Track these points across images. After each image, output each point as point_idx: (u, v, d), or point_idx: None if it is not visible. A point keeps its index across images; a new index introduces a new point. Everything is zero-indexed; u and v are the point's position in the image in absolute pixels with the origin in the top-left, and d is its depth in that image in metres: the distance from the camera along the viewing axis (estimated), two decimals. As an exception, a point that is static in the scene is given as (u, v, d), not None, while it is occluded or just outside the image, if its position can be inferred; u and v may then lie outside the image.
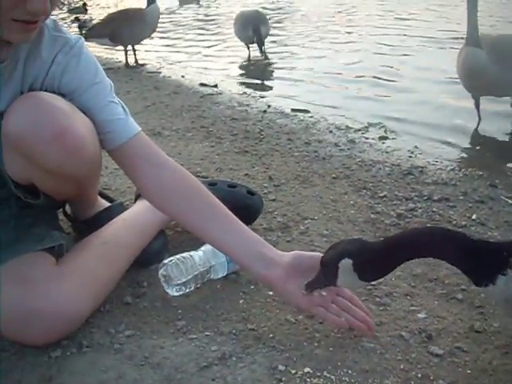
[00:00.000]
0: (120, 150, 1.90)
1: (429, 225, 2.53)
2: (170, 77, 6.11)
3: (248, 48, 6.97)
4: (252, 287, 2.09)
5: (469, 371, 1.75)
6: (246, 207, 2.36)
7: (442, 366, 1.76)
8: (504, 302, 1.49)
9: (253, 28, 6.54)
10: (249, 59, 6.85)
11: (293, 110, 4.52)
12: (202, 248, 2.11)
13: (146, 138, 1.94)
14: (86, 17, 11.72)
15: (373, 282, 2.10)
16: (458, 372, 1.74)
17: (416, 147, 3.59)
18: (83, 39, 1.95)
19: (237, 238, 1.78)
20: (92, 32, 6.74)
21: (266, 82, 5.75)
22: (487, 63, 3.66)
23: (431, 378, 1.71)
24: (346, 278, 1.61)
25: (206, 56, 7.25)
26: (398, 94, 4.93)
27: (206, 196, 1.83)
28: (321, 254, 1.72)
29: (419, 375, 1.72)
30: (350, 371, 1.72)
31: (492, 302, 1.70)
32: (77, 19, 11.10)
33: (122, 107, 1.94)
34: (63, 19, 11.29)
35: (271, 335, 1.86)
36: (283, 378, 1.69)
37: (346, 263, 1.57)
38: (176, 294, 2.03)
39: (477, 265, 1.48)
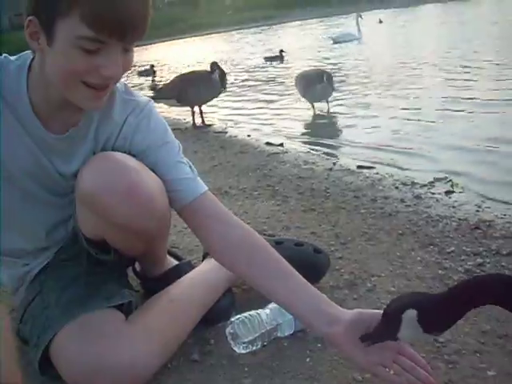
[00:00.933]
0: (188, 209, 1.95)
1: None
2: (236, 136, 6.22)
3: (313, 106, 7.06)
4: (319, 345, 2.09)
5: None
6: (312, 265, 2.37)
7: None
8: None
9: (322, 83, 6.63)
10: (314, 117, 6.92)
11: (358, 166, 4.54)
12: (269, 306, 2.13)
13: (213, 197, 1.99)
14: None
15: (441, 339, 2.09)
16: None
17: (483, 201, 3.55)
18: (153, 102, 2.03)
19: (301, 296, 1.76)
20: (160, 94, 6.95)
21: (331, 141, 5.79)
22: None
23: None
24: (408, 331, 1.54)
25: (271, 116, 7.36)
26: (463, 151, 4.89)
27: (271, 254, 1.84)
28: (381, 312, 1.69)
29: None
30: None
31: None
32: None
33: (190, 167, 2.00)
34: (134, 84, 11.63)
35: (336, 393, 1.86)
36: None
37: (410, 314, 1.51)
38: (243, 351, 2.04)
39: None
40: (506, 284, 1.47)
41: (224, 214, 1.95)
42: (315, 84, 6.72)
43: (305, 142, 5.71)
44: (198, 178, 2.00)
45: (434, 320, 1.53)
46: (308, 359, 2.02)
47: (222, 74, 6.78)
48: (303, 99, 7.13)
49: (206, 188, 1.99)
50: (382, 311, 1.69)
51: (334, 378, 1.92)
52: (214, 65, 6.80)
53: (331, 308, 1.74)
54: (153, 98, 2.24)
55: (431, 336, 1.62)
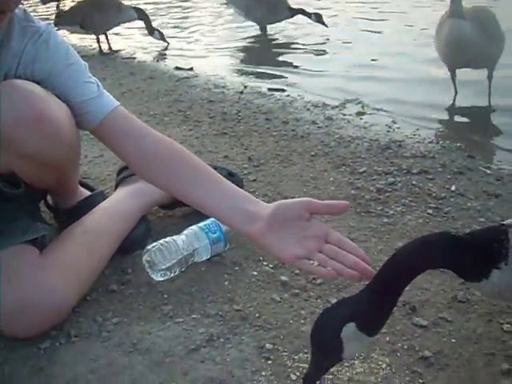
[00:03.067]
0: (100, 129, 1.89)
1: (410, 199, 2.55)
2: (145, 62, 6.08)
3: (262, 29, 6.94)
4: (236, 268, 2.10)
5: (454, 340, 1.78)
6: None
7: (427, 336, 1.79)
8: (497, 294, 1.43)
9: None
10: (225, 41, 6.83)
11: (269, 89, 4.51)
12: (185, 232, 2.12)
13: (124, 113, 1.93)
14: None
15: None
16: (443, 342, 1.77)
17: (393, 122, 3.60)
18: (52, 25, 1.94)
19: (219, 197, 1.70)
20: (62, 20, 6.66)
21: (242, 65, 5.72)
22: (473, 35, 3.64)
23: (417, 348, 1.73)
24: (353, 346, 1.37)
25: (180, 40, 7.21)
26: (374, 71, 4.94)
27: (189, 159, 1.81)
28: (303, 199, 1.62)
29: (405, 347, 1.74)
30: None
31: (482, 295, 1.64)
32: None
33: (98, 86, 1.95)
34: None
35: (257, 315, 1.88)
36: (271, 357, 1.71)
37: (349, 329, 1.33)
38: (161, 279, 2.04)
39: (467, 262, 1.38)
40: (426, 248, 1.39)
41: (138, 128, 1.89)
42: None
43: (215, 66, 5.61)
44: (107, 96, 1.95)
45: (373, 320, 1.38)
46: (226, 282, 2.03)
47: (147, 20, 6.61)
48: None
49: (117, 104, 1.93)
50: (301, 199, 1.63)
51: (252, 299, 1.94)
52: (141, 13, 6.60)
53: (250, 205, 1.67)
54: (55, 24, 2.14)
55: (374, 338, 1.42)
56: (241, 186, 2.45)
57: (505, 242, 1.37)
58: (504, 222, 1.46)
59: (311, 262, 1.54)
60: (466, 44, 3.69)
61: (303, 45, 6.18)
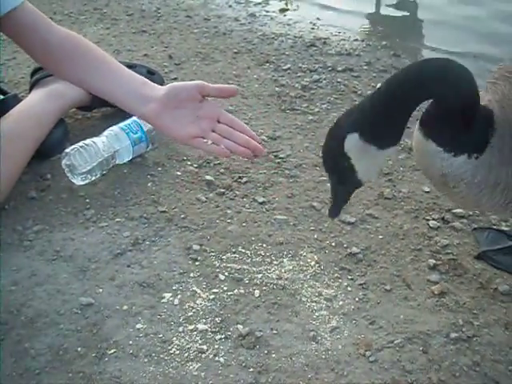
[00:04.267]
0: (7, 21, 1.77)
1: (335, 96, 2.52)
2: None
3: None
4: (159, 169, 2.04)
5: (381, 236, 1.78)
6: None
7: (355, 233, 1.79)
8: (440, 175, 1.28)
9: None
10: None
11: (189, -15, 4.34)
12: (105, 133, 2.04)
13: (32, 8, 1.81)
14: None
15: (281, 155, 2.10)
16: (371, 238, 1.77)
17: (318, 18, 3.50)
18: None
19: (118, 83, 1.68)
20: None
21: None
22: None
23: (345, 245, 1.73)
24: (365, 162, 1.24)
25: None
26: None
27: (92, 52, 1.76)
28: (195, 81, 1.63)
29: (333, 243, 1.74)
30: (264, 244, 1.73)
31: (422, 163, 1.49)
32: None
33: None
34: None
35: (183, 216, 1.84)
36: (198, 257, 1.69)
37: (352, 141, 1.20)
38: (82, 182, 1.96)
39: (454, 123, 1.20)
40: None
41: (44, 24, 1.79)
42: None
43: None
44: None
45: (381, 128, 1.20)
46: (150, 184, 1.98)
47: None
48: None
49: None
50: (193, 81, 1.64)
51: (177, 200, 1.90)
52: None
53: (145, 89, 1.66)
54: None
55: (395, 149, 1.25)
56: (161, 84, 2.36)
57: (489, 133, 1.25)
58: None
59: (205, 140, 1.56)
60: None
61: None
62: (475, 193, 1.31)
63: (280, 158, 2.09)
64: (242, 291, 1.58)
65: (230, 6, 3.73)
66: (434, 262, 1.69)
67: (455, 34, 3.45)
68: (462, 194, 1.33)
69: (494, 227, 1.86)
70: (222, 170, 2.03)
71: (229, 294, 1.57)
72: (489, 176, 1.27)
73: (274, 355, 1.42)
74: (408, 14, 3.97)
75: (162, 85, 2.19)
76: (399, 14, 3.92)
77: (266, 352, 1.43)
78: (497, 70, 1.45)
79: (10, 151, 1.89)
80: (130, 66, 2.26)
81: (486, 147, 1.25)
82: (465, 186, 1.30)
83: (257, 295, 1.57)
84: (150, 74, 2.31)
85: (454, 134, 1.23)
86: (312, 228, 1.79)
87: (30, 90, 2.25)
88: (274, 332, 1.47)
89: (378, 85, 2.62)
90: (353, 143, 1.20)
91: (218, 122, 1.59)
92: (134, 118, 2.07)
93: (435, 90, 1.19)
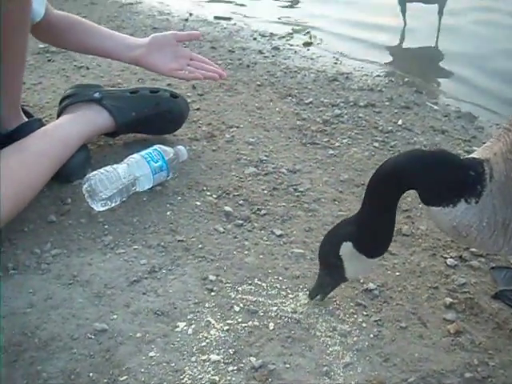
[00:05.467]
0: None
1: (356, 132, 2.53)
2: (86, -14, 5.85)
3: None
4: (179, 198, 2.05)
5: (398, 273, 1.78)
6: (169, 110, 2.31)
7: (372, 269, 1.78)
8: (451, 227, 1.38)
9: None
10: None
11: (215, 17, 4.39)
12: (126, 161, 2.05)
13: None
14: None
15: (300, 189, 2.11)
16: (388, 274, 1.77)
17: (341, 53, 3.55)
18: None
19: (108, 40, 2.27)
20: None
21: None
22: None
23: (361, 281, 1.73)
24: (354, 265, 1.48)
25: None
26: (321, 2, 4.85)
27: (86, 23, 2.32)
28: (171, 32, 2.32)
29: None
30: (280, 277, 1.72)
31: (436, 223, 1.59)
32: None
33: None
34: None
35: (200, 246, 1.84)
36: (214, 288, 1.68)
37: (346, 248, 1.44)
38: (101, 208, 1.97)
39: (438, 180, 1.34)
40: (418, 164, 1.36)
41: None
42: None
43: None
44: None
45: (371, 241, 1.44)
46: (169, 213, 1.99)
47: None
48: None
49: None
50: (169, 32, 2.32)
51: (195, 230, 1.90)
52: None
53: (130, 39, 2.29)
54: None
55: (377, 261, 1.51)
56: (186, 108, 2.39)
57: (483, 176, 1.33)
58: (474, 156, 1.41)
59: (183, 71, 2.23)
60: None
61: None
62: (489, 236, 1.35)
63: (299, 191, 2.09)
64: (257, 323, 1.58)
65: (255, 39, 3.78)
66: (451, 300, 1.68)
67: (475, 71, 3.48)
68: (477, 240, 1.38)
69: (514, 267, 1.85)
70: (241, 202, 2.03)
71: (243, 325, 1.57)
72: (496, 217, 1.32)
73: (287, 389, 1.41)
74: (434, 45, 4.00)
75: (186, 109, 2.30)
76: (422, 53, 3.93)
77: (278, 386, 1.42)
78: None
79: (33, 165, 1.92)
80: (154, 91, 2.30)
81: (483, 190, 1.32)
82: (476, 231, 1.34)
83: (271, 328, 1.56)
84: (174, 97, 2.33)
85: (444, 190, 1.34)
86: (328, 262, 1.78)
87: (58, 116, 2.28)
88: (287, 366, 1.46)
89: (400, 121, 2.64)
90: (347, 250, 1.45)
91: (191, 60, 2.25)
92: (156, 146, 2.09)
93: (414, 185, 1.37)
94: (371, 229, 1.42)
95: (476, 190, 1.33)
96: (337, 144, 2.42)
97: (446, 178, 1.34)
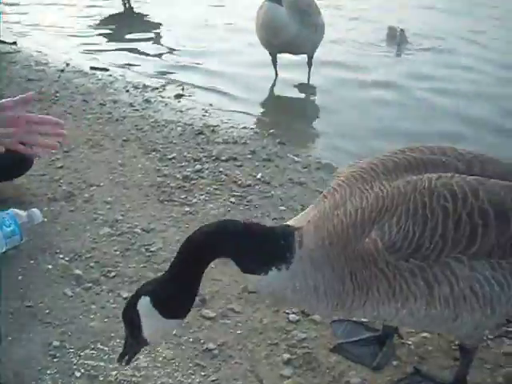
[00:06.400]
0: None
1: (214, 187, 2.60)
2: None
3: None
4: (31, 262, 2.07)
5: (239, 332, 1.84)
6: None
7: (214, 328, 1.84)
8: (270, 292, 1.47)
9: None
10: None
11: (92, 67, 4.40)
12: (-24, 228, 2.06)
13: None
14: None
15: (152, 249, 2.15)
16: (229, 333, 1.83)
17: (211, 105, 3.62)
18: None
19: None
20: None
21: (66, 40, 5.45)
22: (287, 19, 3.73)
23: (202, 341, 1.78)
24: (150, 322, 1.43)
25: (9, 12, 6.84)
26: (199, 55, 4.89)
27: None
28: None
29: (191, 339, 1.79)
30: (123, 341, 1.74)
31: (255, 289, 1.74)
32: None
33: None
34: None
35: (47, 311, 1.86)
36: (57, 354, 1.71)
37: (144, 302, 1.42)
38: (-50, 275, 1.96)
39: (253, 254, 1.42)
40: (211, 239, 1.43)
41: None
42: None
43: (40, 42, 5.35)
44: None
45: (171, 303, 1.44)
46: (20, 277, 2.01)
47: None
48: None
49: None
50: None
51: (45, 295, 1.92)
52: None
53: None
54: None
55: (179, 322, 1.48)
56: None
57: (292, 245, 1.42)
58: (288, 223, 1.50)
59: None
60: (280, 27, 3.76)
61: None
62: (302, 298, 1.43)
63: (151, 251, 2.14)
64: (96, 389, 1.61)
65: (128, 91, 3.81)
66: (289, 356, 1.75)
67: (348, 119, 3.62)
68: (293, 301, 1.46)
69: (354, 319, 1.92)
70: (92, 264, 2.06)
71: (80, 391, 1.60)
72: (307, 281, 1.42)
73: None
74: (303, 96, 4.13)
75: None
76: (290, 104, 4.06)
77: None
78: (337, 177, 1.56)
79: None
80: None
81: (293, 257, 1.41)
82: (290, 293, 1.43)
83: (109, 393, 1.60)
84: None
85: (255, 259, 1.42)
86: (171, 323, 1.83)
87: None
88: (125, 432, 1.50)
89: (259, 175, 2.73)
90: (143, 304, 1.42)
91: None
92: (9, 210, 2.11)
93: (225, 254, 1.44)
94: (173, 289, 1.42)
95: (286, 258, 1.41)
96: (194, 200, 2.48)
97: (256, 248, 1.42)
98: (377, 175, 1.49)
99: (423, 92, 4.07)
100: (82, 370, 1.66)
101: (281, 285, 1.43)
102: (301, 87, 4.20)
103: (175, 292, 1.43)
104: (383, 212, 1.40)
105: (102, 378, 1.64)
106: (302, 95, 4.17)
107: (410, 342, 1.86)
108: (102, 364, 1.69)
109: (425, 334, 1.89)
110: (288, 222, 1.52)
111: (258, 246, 1.42)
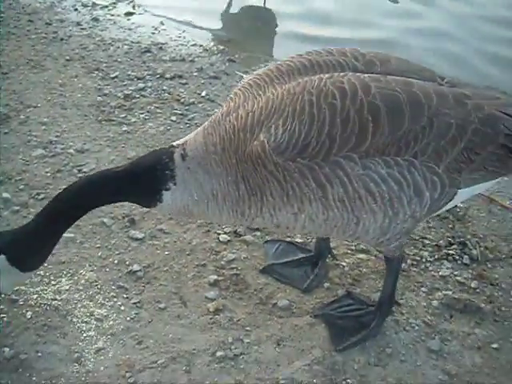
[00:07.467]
0: None
1: (156, 105, 2.52)
2: None
3: None
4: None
5: (167, 253, 1.79)
6: None
7: (141, 249, 1.79)
8: (182, 212, 1.45)
9: None
10: None
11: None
12: None
13: None
14: None
15: (85, 170, 2.09)
16: (156, 254, 1.78)
17: (162, 23, 3.46)
18: None
19: None
20: None
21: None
22: None
23: (127, 262, 1.74)
24: (8, 279, 1.40)
25: None
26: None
27: None
28: None
29: (116, 261, 1.74)
30: (46, 264, 1.66)
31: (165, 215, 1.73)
32: None
33: None
34: None
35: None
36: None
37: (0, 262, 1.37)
38: None
39: (135, 192, 1.42)
40: (86, 188, 1.41)
41: None
42: None
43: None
44: None
45: (27, 256, 1.39)
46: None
47: None
48: None
49: None
50: None
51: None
52: None
53: None
54: None
55: (34, 272, 1.47)
56: None
57: (169, 164, 1.40)
58: (173, 143, 1.46)
59: None
60: None
61: None
62: (206, 208, 1.43)
63: (83, 172, 2.07)
64: (15, 313, 1.57)
65: (76, 10, 3.64)
66: (216, 277, 1.72)
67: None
68: (200, 214, 1.46)
69: (287, 239, 1.88)
70: (21, 187, 2.00)
71: (1, 316, 1.56)
72: (204, 189, 1.42)
73: (34, 378, 1.42)
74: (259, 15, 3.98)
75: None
76: (250, 21, 3.90)
77: (27, 375, 1.43)
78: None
79: None
80: None
81: (174, 173, 1.40)
82: (193, 206, 1.43)
83: (28, 317, 1.57)
84: None
85: (146, 193, 1.43)
86: (98, 245, 1.79)
87: None
88: (39, 354, 1.47)
89: (204, 92, 2.65)
90: (1, 263, 1.36)
91: None
92: None
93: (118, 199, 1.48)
94: (33, 243, 1.38)
95: (167, 176, 1.40)
96: (133, 120, 2.41)
97: (133, 186, 1.41)
98: (271, 80, 1.46)
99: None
100: (2, 295, 1.61)
101: (180, 201, 1.42)
102: (258, 7, 4.03)
103: (35, 247, 1.39)
104: (272, 114, 1.38)
105: (22, 303, 1.61)
106: (265, 20, 3.98)
107: (344, 264, 1.84)
108: (23, 288, 1.65)
109: (361, 256, 1.87)
110: (176, 142, 1.49)
111: (134, 184, 1.41)
